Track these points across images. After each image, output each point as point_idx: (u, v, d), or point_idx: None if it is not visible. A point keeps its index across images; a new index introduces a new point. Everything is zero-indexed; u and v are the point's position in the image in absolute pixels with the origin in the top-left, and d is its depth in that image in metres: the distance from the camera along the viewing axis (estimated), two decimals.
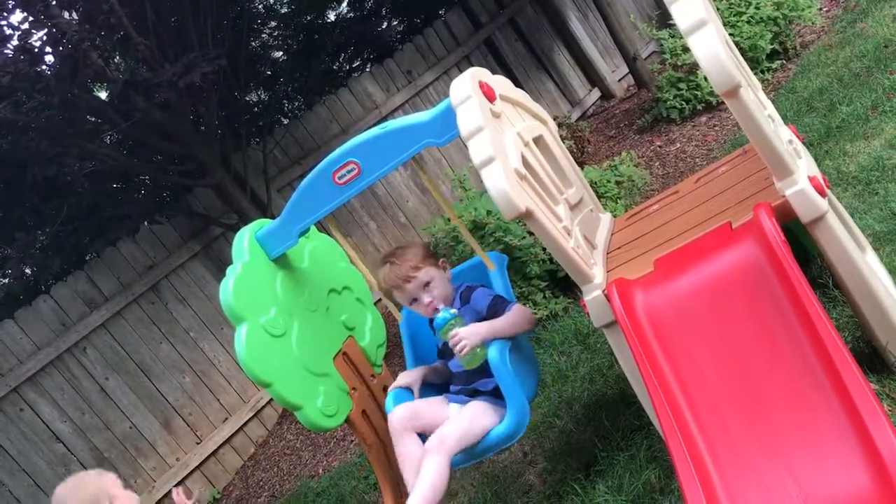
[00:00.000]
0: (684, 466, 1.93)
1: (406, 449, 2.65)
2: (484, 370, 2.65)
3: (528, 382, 2.72)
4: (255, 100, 7.59)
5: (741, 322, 2.05)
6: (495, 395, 2.67)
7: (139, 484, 5.27)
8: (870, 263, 2.33)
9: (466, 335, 2.58)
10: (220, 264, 5.86)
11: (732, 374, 2.03)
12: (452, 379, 2.82)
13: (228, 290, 2.79)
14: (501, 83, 2.58)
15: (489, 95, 2.34)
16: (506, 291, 2.83)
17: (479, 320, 2.67)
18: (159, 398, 5.47)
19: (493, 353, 2.56)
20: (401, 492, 3.13)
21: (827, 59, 5.27)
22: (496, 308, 2.68)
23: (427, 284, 2.73)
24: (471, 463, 2.70)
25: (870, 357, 2.30)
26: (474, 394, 2.72)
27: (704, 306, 2.12)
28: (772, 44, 5.95)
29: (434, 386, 2.89)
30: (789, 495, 1.84)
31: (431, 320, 2.74)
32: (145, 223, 5.74)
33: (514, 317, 2.63)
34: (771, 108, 2.46)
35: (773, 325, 2.00)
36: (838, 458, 1.82)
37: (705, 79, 5.98)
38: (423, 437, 2.64)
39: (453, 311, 2.67)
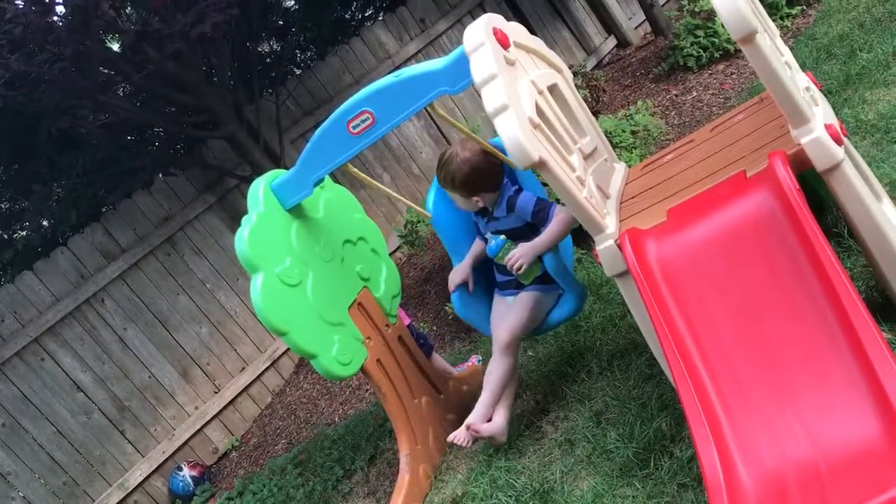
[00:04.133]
0: (694, 413, 1.95)
1: (511, 363, 3.00)
2: None
3: (571, 267, 3.12)
4: (267, 50, 7.52)
5: (754, 271, 2.05)
6: (543, 281, 3.02)
7: (158, 432, 5.37)
8: (886, 213, 2.31)
9: (521, 254, 2.90)
10: (234, 216, 5.88)
11: (744, 322, 2.04)
12: (496, 267, 3.12)
13: (244, 239, 2.82)
14: (516, 30, 2.55)
15: (503, 42, 2.32)
16: (538, 188, 3.09)
17: (525, 225, 2.97)
18: (177, 348, 5.55)
19: (549, 262, 2.90)
20: (416, 438, 3.19)
21: (848, 5, 5.15)
22: (540, 215, 2.94)
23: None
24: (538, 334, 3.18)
25: (883, 306, 2.30)
26: (518, 283, 3.05)
27: (717, 255, 2.12)
28: None
29: (482, 270, 3.21)
30: (798, 440, 1.86)
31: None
32: (160, 175, 5.75)
33: (558, 226, 2.89)
34: (788, 55, 2.42)
35: (785, 273, 2.00)
36: (848, 404, 1.83)
37: (723, 25, 5.87)
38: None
39: (501, 237, 2.99)
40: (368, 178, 3.14)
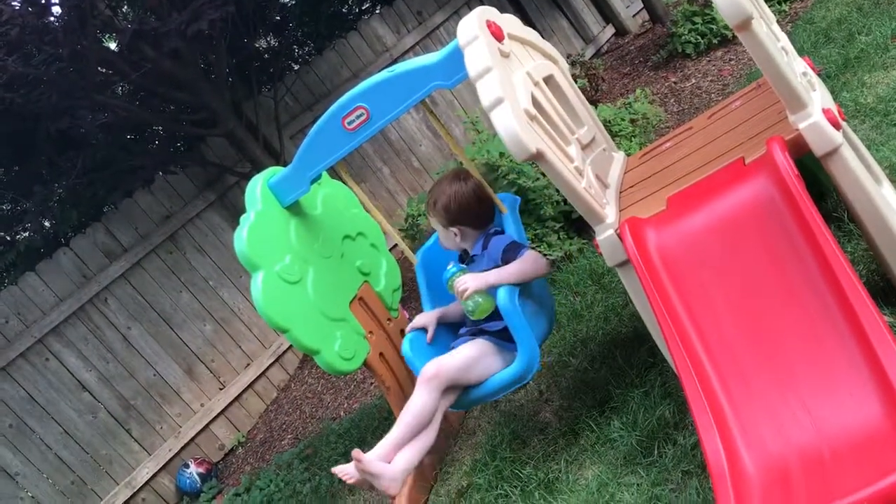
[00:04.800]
0: (697, 400, 1.95)
1: (426, 397, 2.66)
2: (495, 313, 2.69)
3: (540, 325, 2.77)
4: (264, 46, 7.51)
5: (754, 258, 2.05)
6: (502, 337, 2.74)
7: (164, 430, 5.39)
8: (886, 196, 2.30)
9: (469, 279, 2.66)
10: (235, 213, 5.88)
11: (745, 309, 2.03)
12: (465, 321, 2.88)
13: (242, 238, 2.82)
14: (510, 22, 2.54)
15: (497, 35, 2.31)
16: (518, 234, 2.85)
17: (494, 267, 2.71)
18: (181, 346, 5.56)
19: (501, 296, 2.60)
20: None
21: None
22: (508, 254, 2.71)
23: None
24: (479, 403, 2.81)
25: (884, 290, 2.29)
26: (480, 333, 2.79)
27: (717, 243, 2.12)
28: None
29: (450, 327, 2.95)
30: (801, 426, 1.86)
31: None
32: (160, 174, 5.76)
33: (523, 264, 2.67)
34: (785, 41, 2.41)
35: (786, 260, 2.00)
36: (850, 390, 1.83)
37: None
38: None
39: (462, 266, 2.81)
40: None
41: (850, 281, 1.86)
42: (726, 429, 1.93)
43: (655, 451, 2.35)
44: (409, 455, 2.60)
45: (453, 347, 2.82)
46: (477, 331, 2.81)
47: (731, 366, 2.00)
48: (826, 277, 1.92)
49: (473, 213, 2.85)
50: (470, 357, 2.70)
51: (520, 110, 2.17)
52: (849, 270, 1.88)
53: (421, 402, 2.63)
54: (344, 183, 3.16)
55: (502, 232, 2.86)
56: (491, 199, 2.89)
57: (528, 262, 2.67)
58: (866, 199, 2.12)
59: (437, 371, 2.64)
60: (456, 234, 2.88)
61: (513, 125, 2.09)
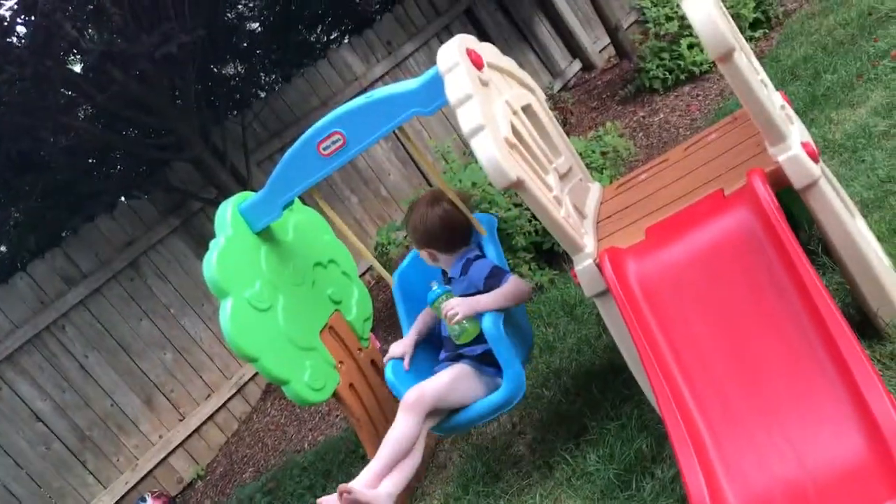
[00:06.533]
0: (678, 433, 1.92)
1: (406, 425, 2.63)
2: (477, 337, 2.68)
3: (522, 350, 2.76)
4: (231, 72, 7.47)
5: (735, 289, 2.04)
6: (482, 361, 2.73)
7: (121, 462, 5.22)
8: (860, 229, 2.32)
9: (458, 304, 2.64)
10: (199, 240, 5.78)
11: (726, 341, 2.02)
12: (443, 345, 2.86)
13: (212, 264, 2.75)
14: (489, 50, 2.53)
15: (477, 63, 2.30)
16: (497, 257, 2.84)
17: (476, 292, 2.69)
18: (140, 375, 5.41)
19: (487, 322, 2.58)
20: None
21: (810, 28, 5.25)
22: (492, 281, 2.69)
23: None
24: (464, 429, 2.79)
25: (860, 324, 2.30)
26: (459, 358, 2.77)
27: (697, 274, 2.11)
28: (755, 12, 5.92)
29: (427, 348, 2.94)
30: (784, 459, 1.84)
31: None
32: (123, 198, 5.64)
33: (508, 290, 2.66)
34: (763, 74, 2.43)
35: (768, 291, 1.99)
36: (834, 422, 1.82)
37: (689, 48, 5.95)
38: None
39: (446, 286, 2.78)
40: (330, 213, 2.99)
41: (832, 313, 1.86)
42: (708, 461, 1.90)
43: (633, 485, 2.31)
44: (396, 479, 2.58)
45: (435, 372, 2.78)
46: (456, 356, 2.79)
47: (712, 397, 1.98)
48: (808, 309, 1.91)
49: (442, 237, 2.82)
50: (452, 381, 2.68)
51: (500, 138, 2.15)
52: (830, 303, 1.87)
53: (404, 427, 2.61)
54: (319, 208, 3.10)
55: (483, 255, 2.83)
56: (464, 223, 2.85)
57: (512, 288, 2.67)
58: (844, 232, 2.13)
59: (419, 396, 2.62)
60: (429, 256, 2.87)
61: (493, 153, 2.06)
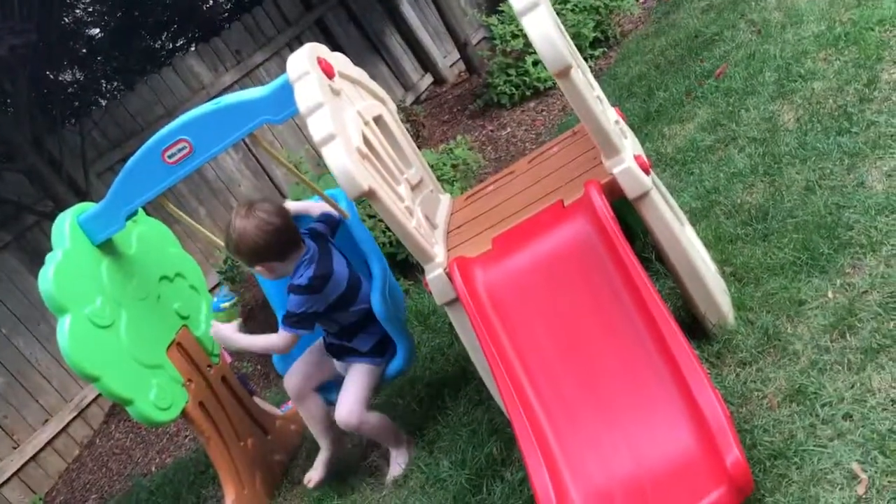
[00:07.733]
0: (525, 436, 1.99)
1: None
2: (359, 328, 2.81)
3: (402, 316, 2.99)
4: (69, 79, 7.09)
5: (575, 295, 2.14)
6: (369, 354, 2.87)
7: None
8: (689, 237, 2.49)
9: (220, 333, 2.82)
10: (34, 256, 5.41)
11: (568, 344, 2.12)
12: (325, 339, 2.95)
13: (48, 278, 2.60)
14: (340, 60, 2.54)
15: (328, 72, 2.30)
16: (366, 237, 2.94)
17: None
18: None
19: (378, 306, 2.77)
20: (242, 483, 3.05)
21: (644, 48, 5.57)
22: (282, 319, 2.73)
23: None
24: None
25: (690, 325, 2.46)
26: (349, 353, 2.85)
27: (540, 281, 2.20)
28: (594, 32, 6.22)
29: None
30: (622, 457, 1.95)
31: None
32: None
33: (270, 342, 2.76)
34: (599, 90, 2.56)
35: (604, 296, 2.10)
36: (666, 420, 1.94)
37: (533, 65, 6.17)
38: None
39: (231, 297, 2.88)
40: (186, 218, 2.96)
41: (664, 316, 1.99)
42: (553, 462, 1.98)
43: (485, 489, 2.37)
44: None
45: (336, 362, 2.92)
46: (347, 349, 2.86)
47: (556, 400, 2.07)
48: (641, 312, 2.04)
49: (269, 247, 2.60)
50: (367, 381, 2.81)
51: (352, 148, 2.16)
52: (662, 306, 2.00)
53: (374, 425, 2.81)
54: (171, 214, 2.96)
55: (315, 255, 2.67)
56: (288, 225, 2.64)
57: (274, 342, 2.75)
58: (674, 239, 2.28)
59: (357, 420, 2.72)
60: (267, 271, 2.68)
61: (345, 162, 2.07)
